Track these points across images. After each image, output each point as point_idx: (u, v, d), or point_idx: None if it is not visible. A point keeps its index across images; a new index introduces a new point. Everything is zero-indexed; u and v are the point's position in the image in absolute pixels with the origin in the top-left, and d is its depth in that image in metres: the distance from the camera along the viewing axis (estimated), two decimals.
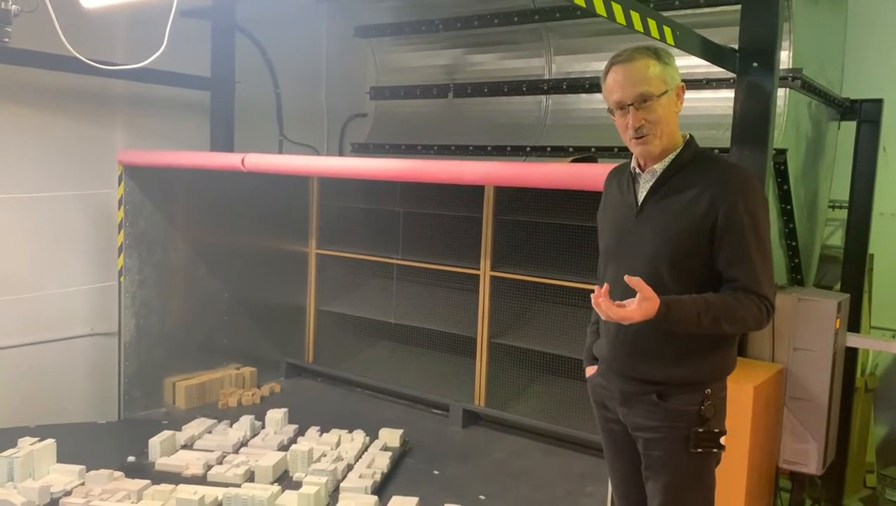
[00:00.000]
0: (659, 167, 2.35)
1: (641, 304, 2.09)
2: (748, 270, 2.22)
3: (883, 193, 4.62)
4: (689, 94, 2.48)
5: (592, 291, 2.26)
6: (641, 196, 2.37)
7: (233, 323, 5.48)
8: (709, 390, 2.32)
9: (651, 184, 2.36)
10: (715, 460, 2.39)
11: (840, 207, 4.87)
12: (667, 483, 2.36)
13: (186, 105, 5.34)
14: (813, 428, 3.48)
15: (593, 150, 4.71)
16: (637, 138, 2.30)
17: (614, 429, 2.52)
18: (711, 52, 3.17)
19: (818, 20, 4.35)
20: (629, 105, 2.27)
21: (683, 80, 2.36)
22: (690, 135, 2.39)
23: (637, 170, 2.41)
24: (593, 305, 2.16)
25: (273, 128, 5.81)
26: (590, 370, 2.62)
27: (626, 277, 2.11)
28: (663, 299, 2.12)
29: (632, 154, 2.44)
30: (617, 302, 2.13)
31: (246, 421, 4.57)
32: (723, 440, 2.35)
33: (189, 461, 4.02)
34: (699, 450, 2.31)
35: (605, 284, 2.19)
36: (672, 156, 2.34)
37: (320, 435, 4.48)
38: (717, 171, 2.30)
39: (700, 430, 2.31)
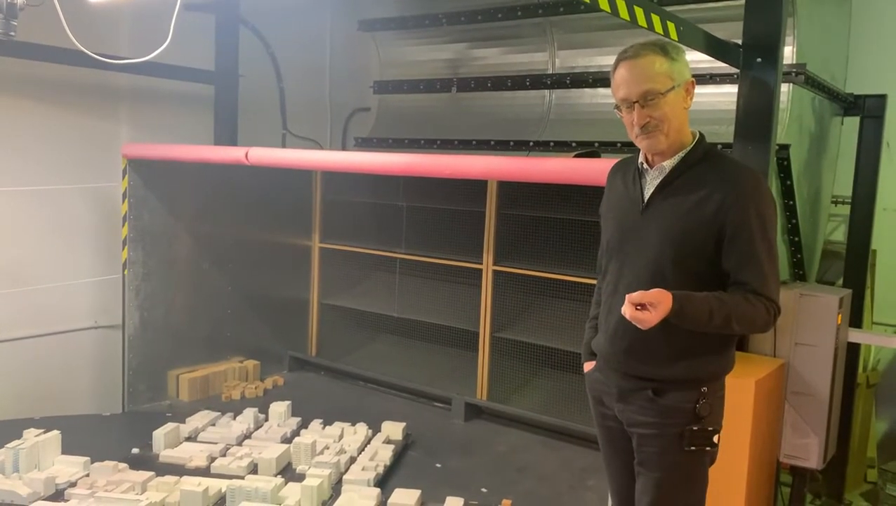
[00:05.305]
0: (668, 164, 2.32)
1: (656, 308, 2.08)
2: (758, 274, 2.21)
3: (886, 189, 4.62)
4: None
5: (594, 285, 2.25)
6: (648, 192, 2.35)
7: (236, 316, 5.50)
8: (705, 389, 2.32)
9: (659, 181, 2.33)
10: (709, 457, 2.38)
11: (843, 203, 4.86)
12: (658, 480, 2.36)
13: (190, 99, 5.35)
14: (814, 423, 3.49)
15: (597, 144, 4.72)
16: (643, 134, 2.28)
17: (611, 425, 2.51)
18: (715, 47, 3.16)
19: (822, 15, 4.34)
20: (634, 102, 2.25)
21: None
22: (700, 132, 2.36)
23: (644, 165, 2.38)
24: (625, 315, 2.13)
25: (277, 122, 5.82)
26: (588, 365, 2.61)
27: (627, 296, 2.08)
28: (676, 295, 2.09)
29: (638, 149, 2.42)
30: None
31: (249, 414, 4.60)
32: (716, 439, 2.35)
33: (193, 453, 4.05)
34: (692, 448, 2.31)
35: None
36: (682, 154, 2.31)
37: (323, 428, 4.50)
38: (728, 171, 2.28)
39: (694, 428, 2.30)
